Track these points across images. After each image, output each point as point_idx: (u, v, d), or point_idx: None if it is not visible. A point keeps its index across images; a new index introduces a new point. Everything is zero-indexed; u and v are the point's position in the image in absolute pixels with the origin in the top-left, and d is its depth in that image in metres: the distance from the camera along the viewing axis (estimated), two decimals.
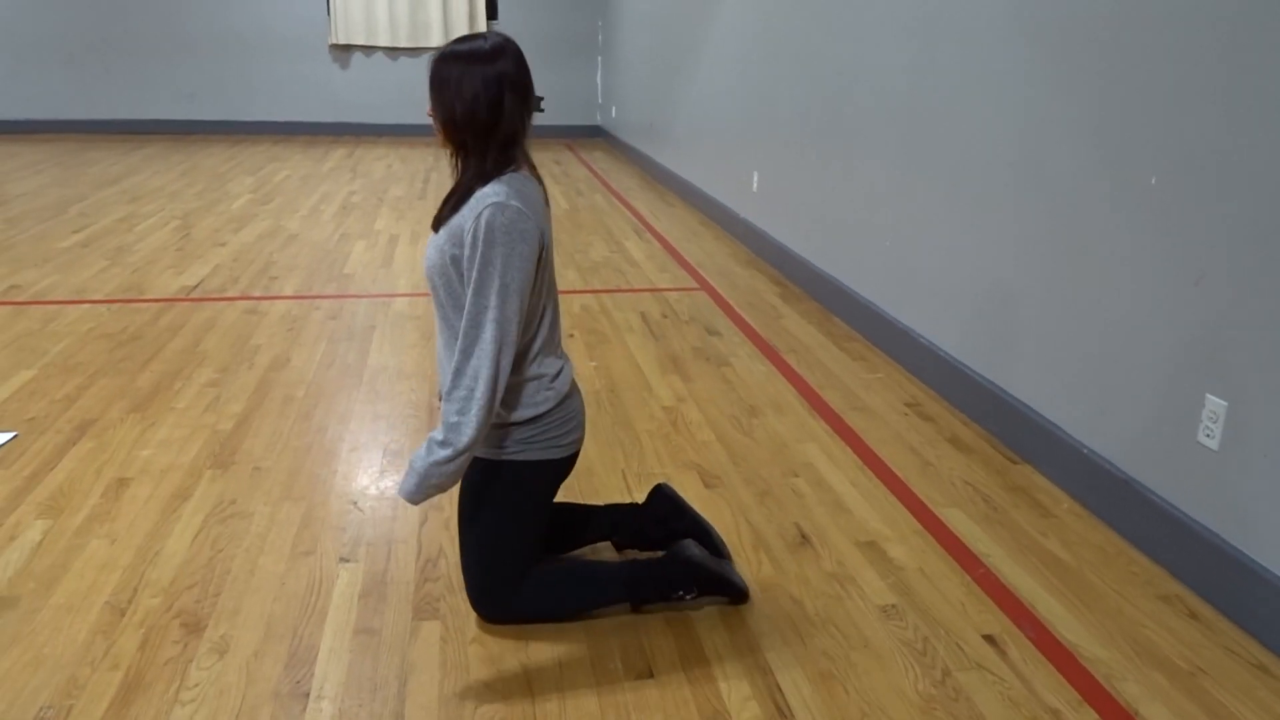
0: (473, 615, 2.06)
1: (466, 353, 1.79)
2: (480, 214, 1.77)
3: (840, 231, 4.26)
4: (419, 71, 10.33)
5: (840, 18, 4.18)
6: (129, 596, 2.10)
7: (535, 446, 1.94)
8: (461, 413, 1.78)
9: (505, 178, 1.83)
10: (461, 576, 2.08)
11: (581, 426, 2.03)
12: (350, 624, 2.03)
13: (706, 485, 2.67)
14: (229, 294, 4.40)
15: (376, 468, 2.73)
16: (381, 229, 5.86)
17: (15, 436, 2.86)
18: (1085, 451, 2.60)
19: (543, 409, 1.93)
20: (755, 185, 5.45)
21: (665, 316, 4.23)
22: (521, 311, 1.80)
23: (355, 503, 2.53)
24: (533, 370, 1.92)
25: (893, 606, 2.14)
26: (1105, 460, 2.54)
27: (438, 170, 8.13)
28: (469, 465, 1.92)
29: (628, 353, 3.74)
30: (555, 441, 1.96)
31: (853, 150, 4.10)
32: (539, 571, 2.02)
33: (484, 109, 1.80)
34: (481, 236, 1.75)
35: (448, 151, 1.89)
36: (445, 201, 1.89)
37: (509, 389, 1.90)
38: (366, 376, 3.42)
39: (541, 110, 10.66)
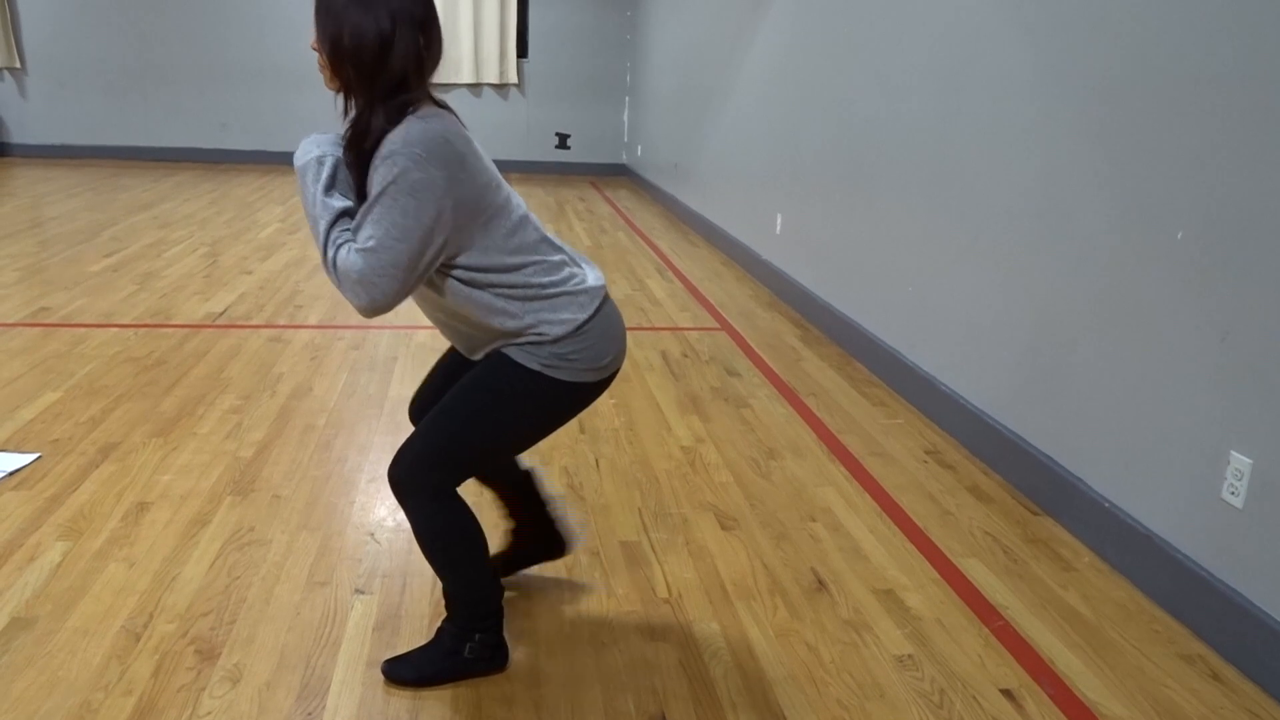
0: None
1: (364, 250, 1.63)
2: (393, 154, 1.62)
3: (863, 276, 4.27)
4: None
5: (867, 65, 4.22)
6: (145, 621, 2.10)
7: (570, 366, 1.79)
8: (335, 247, 1.64)
9: (407, 122, 1.63)
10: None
11: (618, 343, 1.86)
12: (363, 656, 2.03)
13: (723, 527, 2.66)
14: (254, 322, 4.44)
15: (394, 500, 2.73)
16: None
17: (39, 458, 2.89)
18: (1107, 505, 2.58)
19: (581, 315, 1.79)
20: (779, 228, 5.47)
21: (685, 356, 4.24)
22: (414, 254, 1.64)
23: (372, 534, 2.54)
24: (542, 275, 1.78)
25: (909, 656, 2.12)
26: (1127, 515, 2.52)
27: None
28: (496, 360, 1.81)
29: (647, 391, 3.75)
30: (591, 363, 1.81)
31: (877, 196, 4.12)
32: (466, 510, 1.86)
33: (377, 42, 1.62)
34: (392, 176, 1.61)
35: (337, 94, 1.70)
36: (348, 149, 1.70)
37: (534, 295, 1.77)
38: (387, 408, 3.44)
39: (568, 148, 10.77)
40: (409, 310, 4.77)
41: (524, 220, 1.80)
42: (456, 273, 1.75)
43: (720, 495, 2.86)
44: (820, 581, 2.41)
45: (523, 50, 10.44)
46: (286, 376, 3.71)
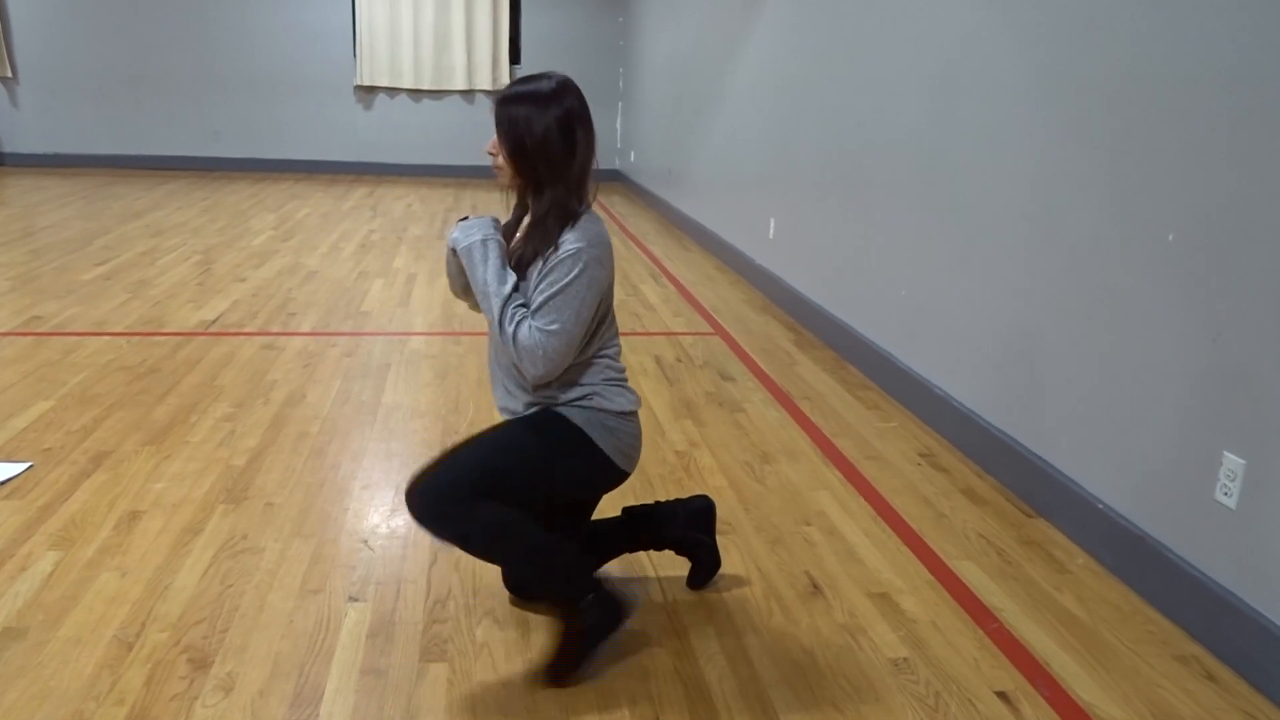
0: (481, 658, 2.05)
1: (546, 331, 1.89)
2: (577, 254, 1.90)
3: (856, 280, 4.27)
4: (441, 114, 10.48)
5: (860, 69, 4.23)
6: (137, 630, 2.09)
7: (610, 437, 2.02)
8: (514, 323, 1.89)
9: (582, 224, 1.92)
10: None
11: (639, 452, 2.11)
12: (357, 664, 2.02)
13: (718, 531, 2.66)
14: (247, 329, 4.43)
15: (388, 506, 2.73)
16: (400, 267, 5.91)
17: (31, 467, 2.88)
18: (1101, 507, 2.58)
19: (629, 408, 2.05)
20: (772, 232, 5.48)
21: (679, 361, 4.24)
22: (582, 335, 1.94)
23: (366, 541, 2.53)
24: (611, 365, 2.05)
25: (904, 660, 2.12)
26: (1121, 516, 2.52)
27: (457, 210, 8.21)
28: (545, 413, 2.01)
29: (641, 396, 3.75)
30: (623, 447, 2.04)
31: (870, 199, 4.12)
32: (488, 501, 1.91)
33: (558, 143, 1.90)
34: (571, 272, 1.90)
35: (513, 190, 2.01)
36: (528, 237, 1.95)
37: (601, 373, 2.03)
38: (381, 414, 3.43)
39: None
40: (403, 317, 4.76)
41: (615, 320, 2.09)
42: None
43: (715, 499, 2.86)
44: (815, 585, 2.41)
45: (515, 56, 10.45)
46: (280, 384, 3.71)
